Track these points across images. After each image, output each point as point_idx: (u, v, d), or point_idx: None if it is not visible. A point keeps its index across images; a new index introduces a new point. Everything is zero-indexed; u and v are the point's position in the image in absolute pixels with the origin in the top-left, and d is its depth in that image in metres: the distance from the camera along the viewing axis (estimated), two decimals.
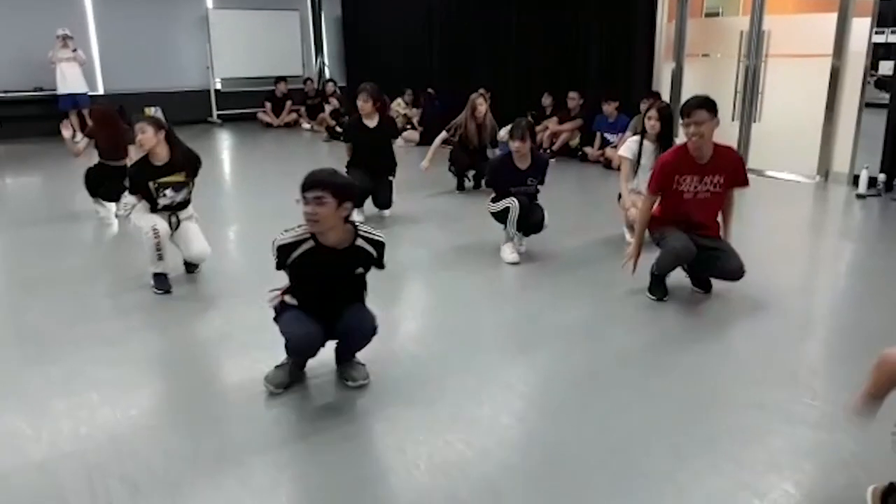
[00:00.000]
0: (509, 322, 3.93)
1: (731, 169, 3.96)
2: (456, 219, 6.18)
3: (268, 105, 12.55)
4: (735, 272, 3.97)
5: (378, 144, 6.00)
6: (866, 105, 7.04)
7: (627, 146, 5.16)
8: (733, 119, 7.76)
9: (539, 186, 4.95)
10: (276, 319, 3.04)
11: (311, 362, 3.18)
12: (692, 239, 3.96)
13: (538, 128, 8.36)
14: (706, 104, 3.79)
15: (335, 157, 9.72)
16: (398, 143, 10.09)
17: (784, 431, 2.71)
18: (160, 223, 4.29)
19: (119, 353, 3.45)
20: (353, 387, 3.06)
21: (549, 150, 8.83)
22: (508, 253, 4.85)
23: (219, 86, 12.80)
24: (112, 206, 6.15)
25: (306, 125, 12.21)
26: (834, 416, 2.80)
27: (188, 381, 3.23)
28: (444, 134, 7.09)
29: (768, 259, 4.97)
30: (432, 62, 11.32)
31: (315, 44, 13.95)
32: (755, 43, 7.58)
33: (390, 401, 2.97)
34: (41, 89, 10.85)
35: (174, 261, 4.48)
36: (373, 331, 3.03)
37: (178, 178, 4.31)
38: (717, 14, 9.69)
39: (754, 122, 7.77)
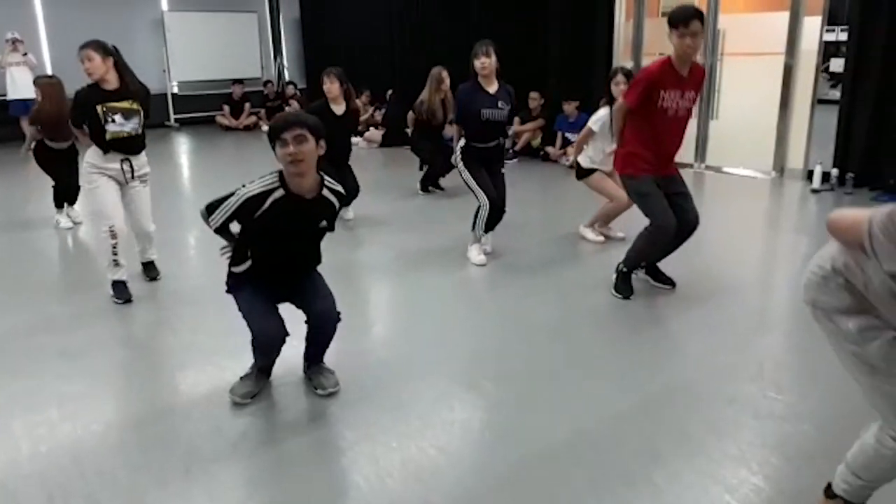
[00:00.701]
0: (477, 323, 3.93)
1: (700, 82, 3.96)
2: (421, 220, 6.17)
3: (226, 108, 12.39)
4: (693, 222, 4.03)
5: (344, 133, 5.76)
6: (818, 102, 7.22)
7: (598, 119, 5.08)
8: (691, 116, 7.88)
9: (509, 113, 4.74)
10: (233, 294, 2.93)
11: (277, 369, 3.13)
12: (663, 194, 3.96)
13: None
14: (699, 14, 3.70)
15: None
16: (360, 144, 10.10)
17: (753, 425, 2.75)
18: (117, 219, 4.13)
19: (79, 366, 3.36)
20: (323, 395, 3.02)
21: (511, 151, 8.87)
22: (475, 254, 4.85)
23: (175, 89, 12.58)
24: (64, 211, 6.01)
25: (265, 128, 12.06)
26: (799, 409, 2.86)
27: (152, 393, 3.15)
28: (410, 114, 7.02)
29: (728, 254, 5.07)
30: (394, 63, 11.27)
31: (274, 46, 13.80)
32: (710, 42, 7.71)
33: (361, 407, 2.94)
34: None
35: (133, 267, 4.39)
36: (338, 316, 2.98)
37: (128, 104, 4.05)
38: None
39: (712, 119, 7.91)
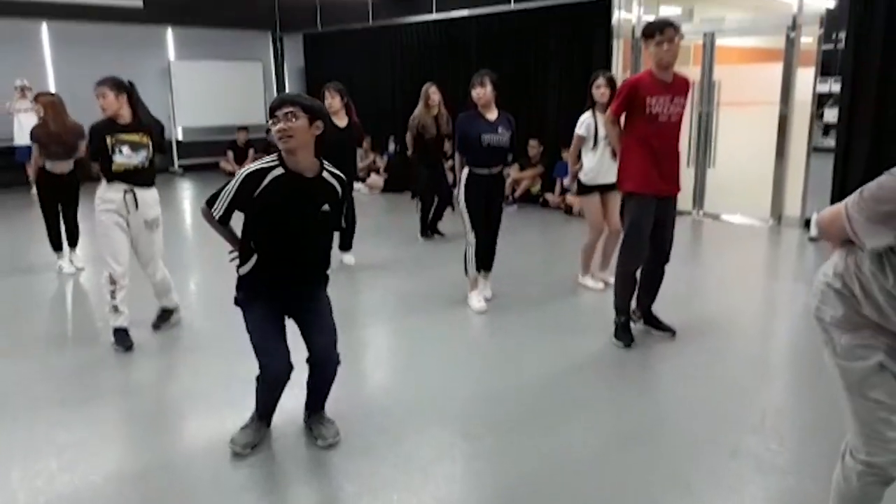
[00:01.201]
0: (477, 371, 3.92)
1: (686, 90, 4.03)
2: (422, 266, 6.20)
3: (230, 154, 12.54)
4: (668, 253, 4.16)
5: (345, 146, 5.63)
6: (814, 150, 7.32)
7: (582, 123, 5.15)
8: (688, 165, 7.98)
9: (510, 140, 4.76)
10: (242, 309, 2.93)
11: (277, 419, 3.13)
12: (653, 212, 4.01)
13: None
14: (672, 23, 3.87)
15: None
16: (362, 190, 10.21)
17: (756, 480, 2.74)
18: (118, 265, 4.12)
19: (79, 416, 3.35)
20: (323, 446, 3.01)
21: (510, 197, 8.96)
22: (476, 301, 4.87)
23: (180, 136, 12.75)
24: (66, 255, 6.05)
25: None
26: (801, 462, 2.85)
27: (152, 444, 3.14)
28: (408, 134, 7.08)
29: (727, 302, 5.08)
30: (395, 112, 11.45)
31: (278, 93, 14.03)
32: (707, 92, 7.86)
33: (361, 459, 2.93)
34: None
35: (144, 312, 4.39)
36: (338, 358, 2.98)
37: (137, 137, 4.12)
38: None
39: (709, 167, 8.01)
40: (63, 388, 3.67)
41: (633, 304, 4.29)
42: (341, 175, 2.88)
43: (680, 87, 3.99)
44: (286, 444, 3.06)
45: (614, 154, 4.62)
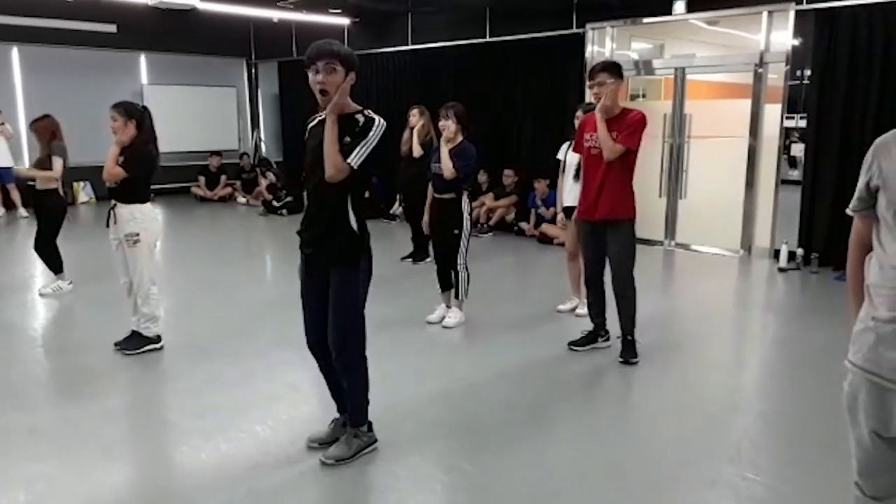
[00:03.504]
0: (452, 397, 3.87)
1: (625, 126, 4.13)
2: (404, 289, 6.16)
3: (202, 179, 12.45)
4: (613, 279, 4.33)
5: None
6: (782, 182, 7.50)
7: (561, 151, 5.40)
8: (660, 196, 8.13)
9: (459, 174, 4.86)
10: None
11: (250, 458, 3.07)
12: (594, 233, 4.30)
13: (474, 203, 8.51)
14: (609, 67, 4.16)
15: (271, 231, 9.68)
16: None
17: None
18: (120, 278, 4.45)
19: (49, 445, 3.26)
20: (323, 459, 3.04)
21: (485, 225, 9.02)
22: (446, 316, 5.09)
23: None
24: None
25: (241, 199, 12.13)
26: (780, 491, 2.88)
27: (125, 475, 3.06)
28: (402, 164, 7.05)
29: (700, 332, 5.15)
30: None
31: (252, 120, 14.01)
32: (678, 125, 8.04)
33: (341, 489, 2.89)
34: None
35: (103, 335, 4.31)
36: (339, 355, 2.95)
37: (122, 159, 4.29)
38: (641, 97, 10.26)
39: (680, 198, 8.15)
40: (31, 417, 3.56)
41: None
42: (375, 117, 2.87)
43: (616, 123, 4.13)
44: (270, 471, 3.01)
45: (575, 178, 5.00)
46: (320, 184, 2.81)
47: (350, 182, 2.82)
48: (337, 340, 2.92)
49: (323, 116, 2.84)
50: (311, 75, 2.78)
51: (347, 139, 2.78)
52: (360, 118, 2.85)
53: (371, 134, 2.81)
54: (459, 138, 4.94)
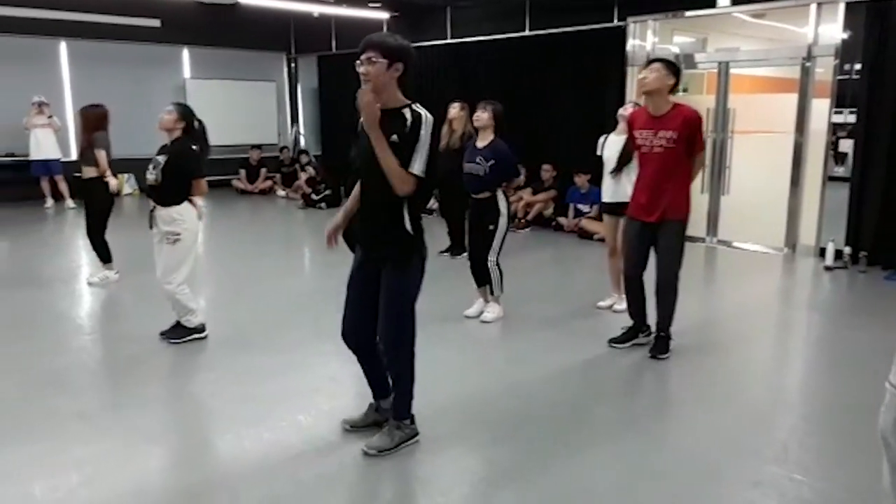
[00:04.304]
0: (497, 394, 3.86)
1: (680, 124, 4.06)
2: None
3: (242, 172, 12.62)
4: (657, 280, 4.27)
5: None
6: (830, 179, 7.32)
7: (599, 146, 5.31)
8: (702, 192, 7.99)
9: (489, 170, 4.83)
10: None
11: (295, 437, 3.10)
12: (643, 233, 4.25)
13: (512, 198, 8.47)
14: (664, 59, 4.17)
15: (310, 224, 9.76)
16: None
17: None
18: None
19: (97, 430, 3.34)
20: (365, 449, 3.05)
21: (523, 220, 8.97)
22: (484, 311, 5.08)
23: None
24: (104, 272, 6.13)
25: (281, 192, 12.27)
26: (828, 494, 2.81)
27: (170, 460, 3.13)
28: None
29: (745, 332, 5.05)
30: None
31: (291, 114, 14.15)
32: (721, 120, 7.89)
33: (383, 480, 2.91)
34: (14, 155, 10.77)
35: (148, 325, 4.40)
36: (385, 347, 2.98)
37: (160, 158, 4.39)
38: (682, 90, 10.09)
39: (723, 194, 8.01)
40: (79, 401, 3.66)
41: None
42: (422, 113, 2.84)
43: (669, 121, 4.08)
44: (312, 460, 3.04)
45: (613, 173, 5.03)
46: (374, 185, 2.85)
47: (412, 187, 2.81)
48: (388, 337, 2.95)
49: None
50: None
51: (395, 137, 2.77)
52: (408, 114, 2.81)
53: (422, 134, 2.78)
54: (492, 136, 4.93)
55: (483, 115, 4.93)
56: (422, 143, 2.77)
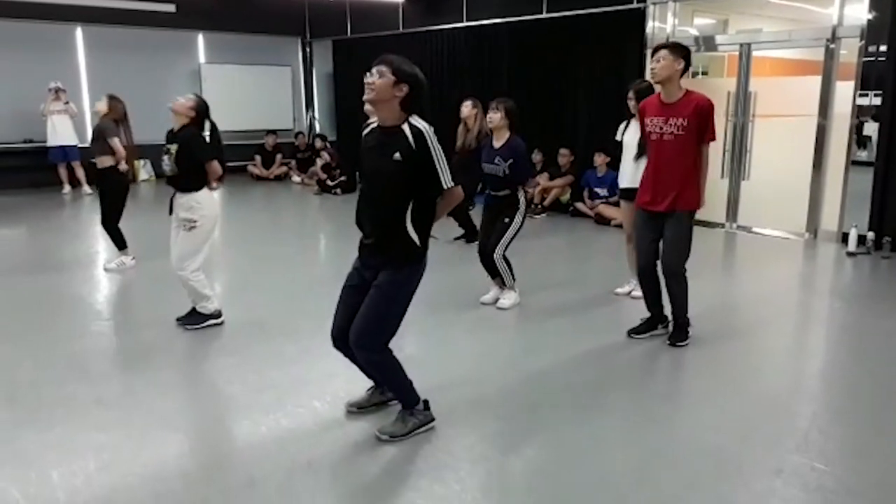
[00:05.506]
0: (513, 381, 3.84)
1: (692, 111, 4.00)
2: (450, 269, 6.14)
3: (258, 158, 12.63)
4: (664, 269, 4.21)
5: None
6: (852, 163, 7.18)
7: (619, 131, 5.24)
8: (722, 176, 7.88)
9: (508, 170, 4.78)
10: None
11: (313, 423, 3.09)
12: (652, 223, 4.17)
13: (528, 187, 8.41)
14: (669, 45, 4.10)
15: (326, 210, 9.75)
16: None
17: (803, 499, 2.66)
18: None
19: (114, 416, 3.35)
20: (378, 435, 3.07)
21: (540, 206, 8.91)
22: (501, 297, 5.03)
23: (207, 139, 12.83)
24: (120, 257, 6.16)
25: (296, 178, 12.26)
26: (850, 484, 2.76)
27: (187, 445, 3.13)
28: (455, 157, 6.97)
29: (765, 319, 4.98)
30: (423, 119, 11.46)
31: (306, 99, 14.11)
32: (742, 103, 7.76)
33: (397, 465, 2.90)
34: (31, 141, 10.84)
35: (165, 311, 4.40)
36: (364, 349, 2.99)
37: (173, 148, 4.41)
38: (702, 74, 9.94)
39: (743, 179, 7.89)
40: (98, 388, 3.67)
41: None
42: (421, 127, 2.85)
43: (681, 108, 4.01)
44: (328, 446, 3.03)
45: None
46: (378, 192, 2.94)
47: (409, 193, 2.87)
48: (356, 332, 2.95)
49: (375, 124, 2.96)
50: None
51: (398, 155, 2.83)
52: (407, 130, 2.84)
53: (432, 146, 2.85)
54: (507, 134, 4.87)
55: (496, 116, 4.85)
56: (438, 155, 2.85)
